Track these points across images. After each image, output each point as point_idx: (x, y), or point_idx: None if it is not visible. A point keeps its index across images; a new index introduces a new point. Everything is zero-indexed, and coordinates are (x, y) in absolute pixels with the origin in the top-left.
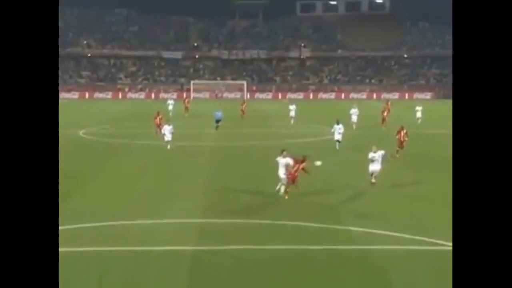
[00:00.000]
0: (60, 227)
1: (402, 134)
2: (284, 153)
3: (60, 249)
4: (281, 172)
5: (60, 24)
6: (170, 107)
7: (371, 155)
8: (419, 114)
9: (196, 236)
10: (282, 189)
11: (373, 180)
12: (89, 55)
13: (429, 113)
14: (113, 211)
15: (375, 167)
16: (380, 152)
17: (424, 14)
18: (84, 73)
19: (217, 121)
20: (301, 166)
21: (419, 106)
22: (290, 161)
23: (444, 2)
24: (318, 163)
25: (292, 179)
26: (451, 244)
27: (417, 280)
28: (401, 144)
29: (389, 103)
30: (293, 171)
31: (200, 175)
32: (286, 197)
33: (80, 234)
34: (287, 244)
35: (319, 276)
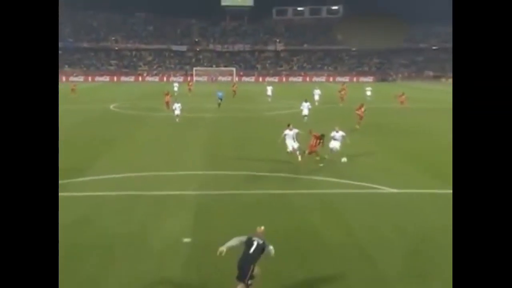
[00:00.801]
0: (92, 177)
1: (362, 110)
2: (291, 126)
3: (91, 193)
4: (290, 142)
5: (94, 24)
6: (175, 88)
7: (333, 133)
8: (369, 93)
9: (199, 183)
10: (299, 156)
11: (326, 156)
12: (116, 48)
13: (374, 92)
14: (135, 166)
15: (334, 144)
16: (341, 133)
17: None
18: (113, 62)
19: (220, 99)
20: (320, 141)
21: (369, 87)
22: (296, 131)
23: (392, 7)
24: (344, 159)
25: (311, 151)
26: (388, 188)
27: (359, 211)
28: (360, 118)
29: (345, 85)
30: (314, 144)
31: (201, 138)
32: (300, 159)
33: (110, 182)
34: (268, 189)
35: (291, 212)
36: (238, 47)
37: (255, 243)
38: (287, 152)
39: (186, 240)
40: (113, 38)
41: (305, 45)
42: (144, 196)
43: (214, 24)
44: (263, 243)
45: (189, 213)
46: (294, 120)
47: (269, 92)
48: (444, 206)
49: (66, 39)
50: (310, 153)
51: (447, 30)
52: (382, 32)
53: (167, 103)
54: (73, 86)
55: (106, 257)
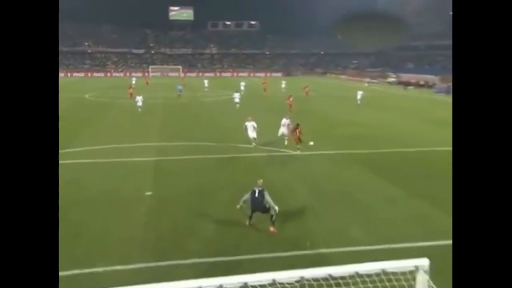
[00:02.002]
0: (75, 149)
1: (291, 99)
2: (249, 118)
3: (76, 161)
4: (250, 132)
5: (70, 32)
6: (133, 81)
7: (283, 121)
8: (283, 85)
9: (156, 152)
10: (286, 142)
11: (286, 143)
12: (89, 51)
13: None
14: (108, 140)
15: (284, 130)
16: (288, 121)
17: (276, 28)
18: (87, 62)
19: (180, 91)
20: (299, 130)
21: (284, 80)
22: (254, 123)
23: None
24: (311, 143)
25: (297, 139)
26: (293, 152)
27: (274, 167)
28: (290, 107)
29: (267, 79)
30: (296, 133)
31: (158, 119)
32: (286, 144)
33: (89, 152)
34: (207, 154)
35: (226, 169)
36: (183, 50)
37: (257, 191)
38: (251, 138)
39: (148, 193)
40: (86, 43)
41: (232, 50)
42: (115, 162)
43: (165, 33)
44: (262, 189)
45: (149, 173)
46: (230, 106)
47: (206, 84)
48: (329, 161)
49: None
50: (299, 140)
51: (330, 40)
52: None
53: (131, 94)
54: None
55: (90, 206)
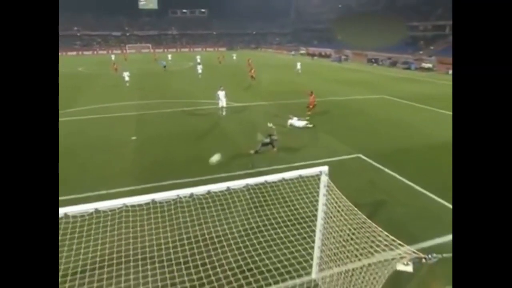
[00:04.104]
0: (76, 108)
1: (253, 71)
2: (222, 87)
3: (77, 117)
4: (222, 101)
5: (62, 20)
6: (113, 57)
7: (219, 92)
8: (234, 57)
9: (138, 109)
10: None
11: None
12: (78, 34)
13: (230, 56)
14: (98, 103)
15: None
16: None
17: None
18: (77, 43)
19: (164, 66)
20: (313, 96)
21: (234, 54)
22: (224, 92)
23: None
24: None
25: (312, 106)
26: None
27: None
28: (252, 78)
29: (222, 53)
30: (312, 100)
31: (135, 86)
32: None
33: (87, 110)
34: (176, 108)
35: (188, 119)
36: (151, 32)
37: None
38: (220, 107)
39: (134, 138)
40: (75, 28)
41: (188, 31)
42: (107, 117)
43: (136, 19)
44: (271, 128)
45: (133, 123)
46: (192, 74)
47: (170, 58)
48: (263, 110)
49: None
50: (310, 107)
51: (259, 23)
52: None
53: (116, 69)
54: None
55: (91, 149)
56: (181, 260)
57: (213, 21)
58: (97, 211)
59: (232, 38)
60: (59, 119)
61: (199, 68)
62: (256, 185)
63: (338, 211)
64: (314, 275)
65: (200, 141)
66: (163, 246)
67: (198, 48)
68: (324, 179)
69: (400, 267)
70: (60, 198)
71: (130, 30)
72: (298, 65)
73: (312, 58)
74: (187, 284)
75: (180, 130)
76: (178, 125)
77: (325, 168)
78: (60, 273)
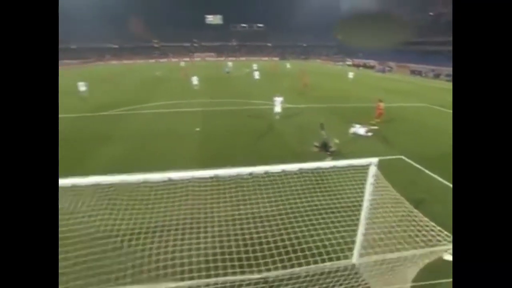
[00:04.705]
0: (150, 104)
1: (306, 79)
2: (279, 94)
3: (151, 111)
4: (278, 106)
5: (143, 33)
6: (182, 64)
7: (276, 98)
8: (288, 66)
9: (202, 106)
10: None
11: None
12: (155, 45)
13: (284, 66)
14: (168, 100)
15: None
16: (280, 99)
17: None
18: (156, 52)
19: (227, 72)
20: (381, 104)
21: (288, 63)
22: (281, 99)
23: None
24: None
25: (380, 114)
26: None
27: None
28: (305, 85)
29: (277, 63)
30: (381, 108)
31: (201, 89)
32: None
33: (160, 106)
34: (236, 107)
35: (245, 118)
36: (215, 43)
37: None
38: (275, 112)
39: (197, 129)
40: (154, 41)
41: (247, 43)
42: (175, 111)
43: (205, 33)
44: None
45: (198, 118)
46: (249, 80)
47: (230, 65)
48: (316, 112)
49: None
50: (378, 116)
51: (309, 37)
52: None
53: (185, 74)
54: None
55: (162, 137)
56: (231, 233)
57: (268, 34)
58: (170, 179)
59: (285, 49)
60: (136, 112)
61: (256, 74)
62: (310, 170)
63: (384, 201)
64: (354, 260)
65: (256, 137)
66: (219, 219)
67: (254, 58)
68: (373, 169)
69: (447, 257)
70: (130, 174)
71: (198, 42)
72: (350, 74)
73: (357, 69)
74: (234, 256)
75: (238, 127)
76: (237, 122)
77: (374, 160)
78: (136, 230)
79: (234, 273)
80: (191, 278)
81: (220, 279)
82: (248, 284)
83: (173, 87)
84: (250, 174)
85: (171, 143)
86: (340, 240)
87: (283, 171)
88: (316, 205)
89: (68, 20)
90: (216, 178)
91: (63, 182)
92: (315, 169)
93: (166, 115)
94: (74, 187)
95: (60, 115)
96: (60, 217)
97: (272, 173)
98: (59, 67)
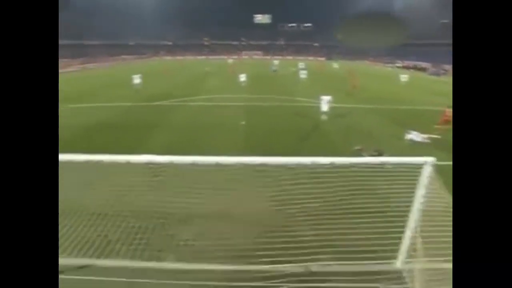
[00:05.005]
0: (200, 96)
1: (355, 80)
2: (327, 94)
3: (200, 103)
4: (324, 106)
5: (195, 33)
6: (230, 61)
7: (323, 97)
8: (336, 66)
9: (248, 101)
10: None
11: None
12: (205, 43)
13: (330, 65)
14: (216, 94)
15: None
16: (327, 98)
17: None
18: (205, 50)
19: (274, 70)
20: (448, 111)
21: (335, 62)
22: (328, 98)
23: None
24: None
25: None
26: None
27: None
28: (354, 86)
29: (323, 62)
30: (448, 115)
31: (248, 85)
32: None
33: (205, 99)
34: (282, 103)
35: (288, 114)
36: (262, 42)
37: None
38: (322, 111)
39: (243, 122)
40: (204, 39)
41: (293, 42)
42: (222, 105)
43: (253, 32)
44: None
45: (244, 112)
46: (295, 78)
47: (276, 63)
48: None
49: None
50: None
51: None
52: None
53: (233, 71)
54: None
55: (210, 129)
56: (273, 224)
57: (315, 34)
58: (217, 163)
59: (331, 49)
60: (185, 104)
61: (302, 73)
62: (360, 165)
63: (437, 206)
64: (399, 264)
65: (301, 135)
66: (263, 207)
67: (300, 57)
68: (428, 169)
69: None
70: (174, 157)
71: (246, 40)
72: (403, 77)
73: (408, 71)
74: (276, 246)
75: (283, 123)
76: (282, 118)
77: (430, 159)
78: (184, 211)
79: (279, 262)
80: (234, 263)
81: (264, 267)
82: (292, 275)
83: (221, 83)
84: (298, 164)
85: (217, 134)
86: (385, 242)
87: (332, 163)
88: (362, 203)
89: (128, 18)
90: (263, 165)
91: (118, 157)
92: (365, 164)
93: (213, 108)
94: (129, 163)
95: (115, 104)
96: (111, 189)
97: (320, 164)
98: (117, 61)
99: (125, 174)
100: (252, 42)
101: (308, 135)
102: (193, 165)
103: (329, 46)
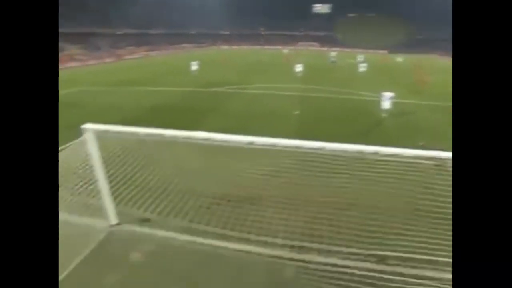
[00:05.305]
0: (258, 85)
1: (423, 75)
2: (389, 91)
3: (249, 91)
4: (386, 103)
5: (252, 24)
6: (285, 51)
7: (385, 94)
8: (400, 60)
9: (304, 91)
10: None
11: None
12: (262, 33)
13: (392, 59)
14: (271, 83)
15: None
16: (389, 95)
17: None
18: (262, 40)
19: (333, 61)
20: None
21: (400, 56)
22: (391, 94)
23: None
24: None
25: None
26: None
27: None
28: (422, 82)
29: (386, 56)
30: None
31: (303, 75)
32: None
33: (260, 88)
34: (339, 96)
35: (343, 107)
36: (319, 33)
37: None
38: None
39: (296, 112)
40: (261, 29)
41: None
42: (277, 94)
43: (311, 22)
44: None
45: (298, 101)
46: (354, 71)
47: (333, 55)
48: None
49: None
50: None
51: (426, 27)
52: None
53: (288, 61)
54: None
55: (265, 117)
56: (312, 215)
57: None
58: (273, 144)
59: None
60: (240, 91)
61: (362, 66)
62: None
63: None
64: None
65: (358, 129)
66: (304, 193)
67: (359, 49)
68: None
69: None
70: (232, 136)
71: (303, 30)
72: None
73: None
74: (323, 239)
75: (340, 116)
76: (338, 111)
77: None
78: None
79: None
80: (285, 249)
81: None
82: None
83: (276, 72)
84: (360, 152)
85: (270, 122)
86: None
87: (396, 154)
88: (416, 202)
89: (189, 9)
90: (321, 150)
91: (179, 133)
92: (433, 157)
93: (267, 96)
94: (187, 138)
95: (173, 89)
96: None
97: (383, 154)
98: (177, 50)
99: (185, 151)
100: (309, 33)
101: (367, 130)
102: (251, 143)
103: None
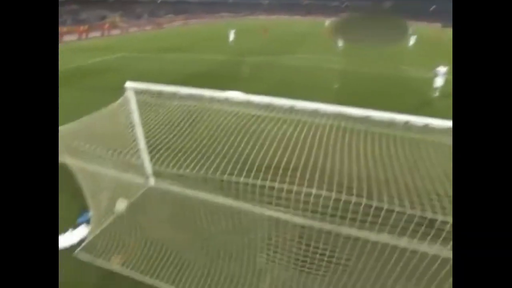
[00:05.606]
0: (292, 55)
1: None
2: (444, 66)
3: (286, 62)
4: (439, 80)
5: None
6: (327, 23)
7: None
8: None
9: (348, 64)
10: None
11: None
12: (305, 3)
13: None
14: (312, 54)
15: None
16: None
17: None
18: (303, 11)
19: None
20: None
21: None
22: (445, 69)
23: None
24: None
25: None
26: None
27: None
28: None
29: (440, 30)
30: None
31: (348, 48)
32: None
33: (300, 59)
34: (387, 71)
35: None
36: (368, 3)
37: None
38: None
39: (336, 86)
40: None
41: (403, 5)
42: (316, 66)
43: None
44: None
45: (339, 75)
46: (402, 45)
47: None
48: None
49: None
50: None
51: None
52: None
53: (265, 32)
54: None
55: (302, 88)
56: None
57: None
58: (317, 110)
59: (449, 15)
60: (277, 61)
61: (412, 39)
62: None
63: None
64: None
65: (405, 109)
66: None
67: (410, 22)
68: None
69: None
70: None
71: (346, 1)
72: None
73: None
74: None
75: (383, 93)
76: (382, 87)
77: None
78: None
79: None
80: (316, 219)
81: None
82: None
83: (316, 44)
84: (406, 123)
85: (307, 94)
86: None
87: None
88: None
89: None
90: (369, 118)
91: (218, 93)
92: None
93: (305, 67)
94: (228, 100)
95: (210, 57)
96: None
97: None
98: (216, 19)
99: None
100: (354, 3)
101: (416, 107)
102: (292, 108)
103: (447, 11)
